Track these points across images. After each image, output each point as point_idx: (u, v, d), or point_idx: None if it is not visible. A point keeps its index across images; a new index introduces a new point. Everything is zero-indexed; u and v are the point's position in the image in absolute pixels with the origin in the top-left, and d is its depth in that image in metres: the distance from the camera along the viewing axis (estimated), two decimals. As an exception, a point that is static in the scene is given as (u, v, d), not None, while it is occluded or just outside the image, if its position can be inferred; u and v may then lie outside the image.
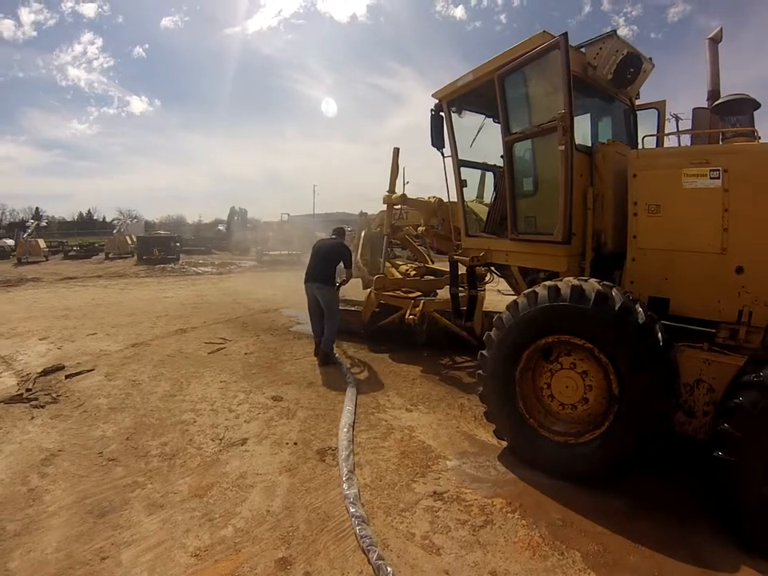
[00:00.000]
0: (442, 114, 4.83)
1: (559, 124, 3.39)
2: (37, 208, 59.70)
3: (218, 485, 3.05)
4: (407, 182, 38.86)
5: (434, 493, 3.04)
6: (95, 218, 64.40)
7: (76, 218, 64.15)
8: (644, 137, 3.98)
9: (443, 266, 7.93)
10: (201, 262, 21.87)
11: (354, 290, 7.72)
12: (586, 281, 3.13)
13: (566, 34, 3.39)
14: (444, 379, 5.27)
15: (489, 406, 3.57)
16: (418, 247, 8.08)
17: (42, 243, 24.67)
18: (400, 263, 7.40)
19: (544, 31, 3.61)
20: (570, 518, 2.77)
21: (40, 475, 3.14)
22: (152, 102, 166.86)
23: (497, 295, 7.48)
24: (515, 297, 3.56)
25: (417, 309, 5.83)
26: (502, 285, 5.79)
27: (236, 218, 27.48)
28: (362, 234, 7.72)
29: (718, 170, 2.99)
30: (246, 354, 6.23)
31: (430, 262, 7.70)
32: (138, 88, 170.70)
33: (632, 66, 3.97)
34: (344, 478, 3.09)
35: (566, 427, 3.25)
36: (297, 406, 4.39)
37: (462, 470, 3.34)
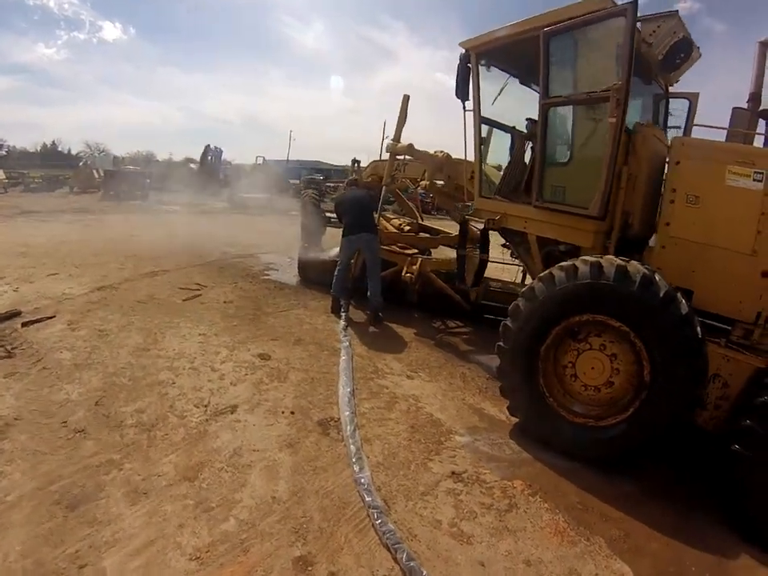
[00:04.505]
0: (469, 65, 4.20)
1: (613, 96, 3.08)
2: (-2, 137, 52.90)
3: (210, 464, 2.53)
4: (387, 137, 37.26)
5: (453, 473, 2.72)
6: (60, 149, 57.63)
7: (39, 149, 57.42)
8: (692, 126, 3.73)
9: (431, 224, 7.43)
10: (171, 200, 19.97)
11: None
12: (628, 261, 2.83)
13: (635, 2, 2.98)
14: (440, 345, 4.85)
15: (506, 381, 3.25)
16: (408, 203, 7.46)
17: (0, 174, 21.92)
18: (391, 217, 6.76)
19: None
20: (589, 502, 2.60)
21: (-8, 451, 2.50)
22: (126, 29, 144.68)
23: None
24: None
25: (414, 267, 5.31)
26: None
27: (210, 157, 25.08)
28: (346, 181, 6.99)
29: (762, 172, 2.87)
30: (224, 302, 5.54)
31: (419, 219, 7.12)
32: (111, 13, 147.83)
33: (683, 52, 3.70)
34: (353, 459, 2.65)
35: (586, 409, 3.02)
36: (287, 367, 3.86)
37: (476, 448, 3.03)
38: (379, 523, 2.20)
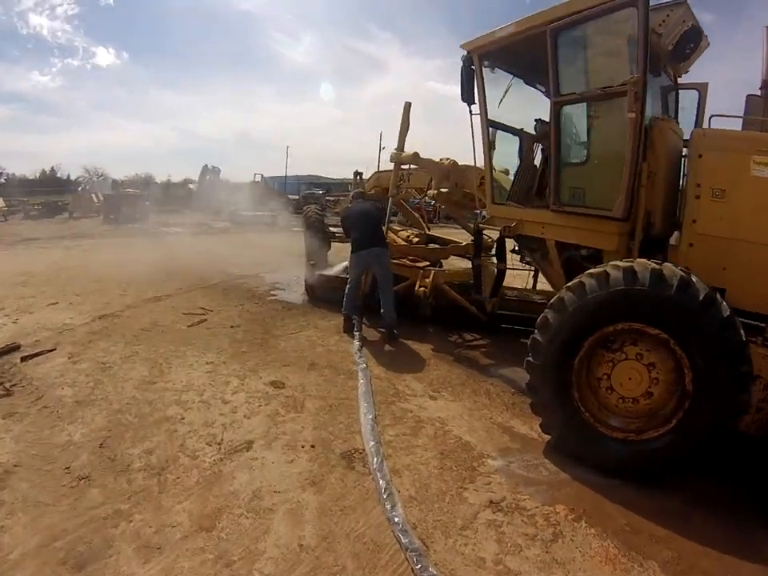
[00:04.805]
0: (473, 67, 4.09)
1: (630, 90, 2.97)
2: (-5, 164, 53.29)
3: (228, 510, 2.31)
4: (383, 147, 37.44)
5: (491, 502, 2.52)
6: (59, 175, 57.84)
7: (38, 175, 57.65)
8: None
9: (438, 233, 7.27)
10: (171, 222, 19.89)
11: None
12: (662, 264, 2.68)
13: None
14: (459, 360, 4.63)
15: (537, 398, 3.05)
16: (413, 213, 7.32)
17: (0, 202, 21.92)
18: (398, 229, 6.61)
19: None
20: (636, 523, 2.43)
21: (-9, 503, 2.29)
22: (119, 54, 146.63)
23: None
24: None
25: (427, 280, 5.12)
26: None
27: (208, 177, 25.07)
28: (351, 194, 6.88)
29: None
30: (231, 327, 5.34)
31: (426, 229, 6.97)
32: (104, 39, 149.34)
33: (692, 41, 3.60)
34: (384, 495, 2.44)
35: (624, 422, 2.84)
36: (303, 395, 3.65)
37: (511, 471, 2.84)
38: (419, 568, 1.99)
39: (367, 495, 2.49)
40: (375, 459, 2.73)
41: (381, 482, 2.54)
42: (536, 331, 3.00)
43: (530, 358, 3.01)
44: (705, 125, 3.84)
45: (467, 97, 4.09)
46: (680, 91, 4.05)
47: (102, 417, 3.17)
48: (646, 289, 2.58)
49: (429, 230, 7.07)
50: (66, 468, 2.59)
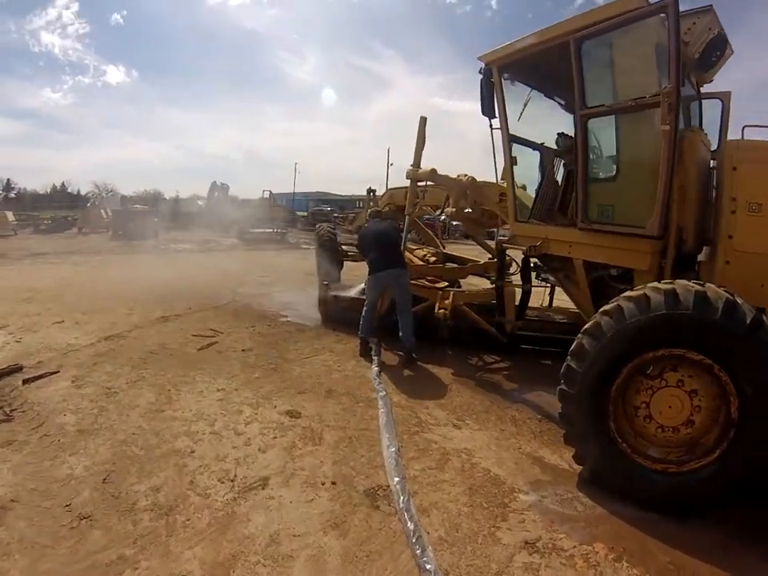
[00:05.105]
0: (492, 80, 4.01)
1: (664, 100, 2.85)
2: (8, 179, 54.63)
3: (243, 557, 2.11)
4: (391, 164, 37.74)
5: (526, 543, 2.32)
6: (69, 191, 59.46)
7: (49, 191, 58.85)
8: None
9: (450, 250, 7.14)
10: (180, 238, 19.90)
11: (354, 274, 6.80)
12: (704, 285, 2.55)
13: None
14: (481, 385, 4.43)
15: (570, 428, 2.85)
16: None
17: (10, 216, 22.31)
18: (414, 247, 6.47)
19: None
20: (678, 560, 2.26)
21: (-14, 544, 2.12)
22: (129, 72, 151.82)
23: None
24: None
25: (446, 301, 4.95)
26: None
27: (217, 193, 25.28)
28: (368, 213, 6.78)
29: None
30: (243, 350, 5.16)
31: (441, 247, 6.84)
32: (114, 57, 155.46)
33: (718, 49, 3.53)
34: (413, 538, 2.24)
35: (663, 453, 2.68)
36: (321, 425, 3.44)
37: (545, 507, 2.64)
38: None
39: (394, 538, 2.29)
40: (402, 498, 2.53)
41: (409, 523, 2.34)
42: (570, 358, 2.82)
43: (564, 387, 2.82)
44: (731, 135, 3.76)
45: (487, 111, 4.00)
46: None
47: (106, 448, 3.00)
48: (690, 313, 2.43)
49: (444, 247, 6.94)
50: (67, 505, 2.41)
